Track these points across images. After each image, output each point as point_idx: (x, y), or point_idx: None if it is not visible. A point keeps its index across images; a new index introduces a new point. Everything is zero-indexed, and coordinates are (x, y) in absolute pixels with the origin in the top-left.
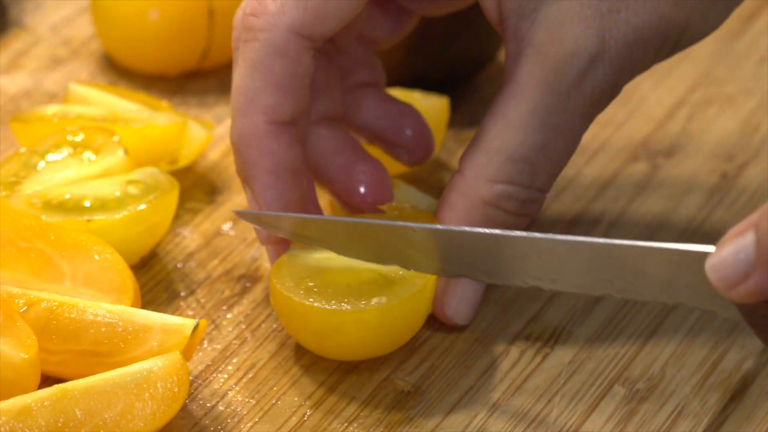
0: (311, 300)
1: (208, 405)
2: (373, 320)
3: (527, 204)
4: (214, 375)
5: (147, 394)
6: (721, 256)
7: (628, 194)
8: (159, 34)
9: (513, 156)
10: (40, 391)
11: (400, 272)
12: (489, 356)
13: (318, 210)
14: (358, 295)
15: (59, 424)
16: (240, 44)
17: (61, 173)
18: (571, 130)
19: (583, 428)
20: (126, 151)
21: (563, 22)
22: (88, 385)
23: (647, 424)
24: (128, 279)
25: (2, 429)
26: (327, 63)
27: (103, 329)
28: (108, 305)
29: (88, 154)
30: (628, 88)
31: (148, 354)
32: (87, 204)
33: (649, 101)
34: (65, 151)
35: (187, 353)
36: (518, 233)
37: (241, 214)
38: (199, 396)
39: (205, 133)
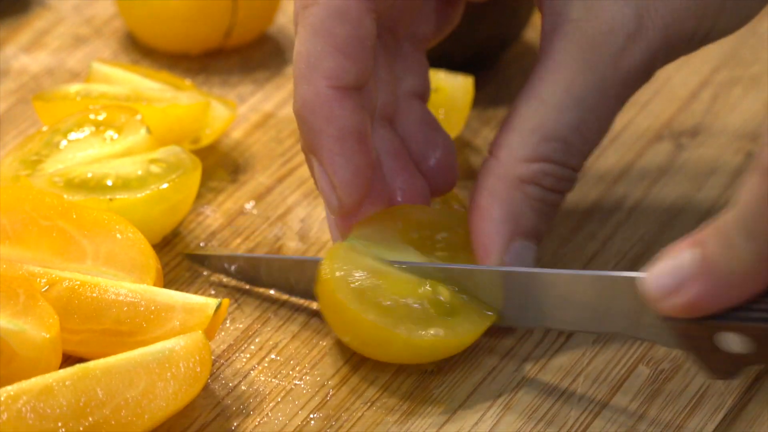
0: (366, 312)
1: (230, 385)
2: (425, 348)
3: (563, 181)
4: (237, 354)
5: (169, 374)
6: (658, 268)
7: (653, 174)
8: (182, 12)
9: (548, 135)
10: (61, 370)
11: (463, 297)
12: (512, 336)
13: (383, 184)
14: (416, 319)
15: (80, 404)
16: (300, 11)
17: (84, 152)
18: (605, 109)
19: (607, 408)
20: (149, 130)
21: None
22: (109, 365)
23: (671, 404)
24: (151, 258)
25: (23, 408)
26: (389, 59)
27: (125, 308)
28: (130, 284)
29: (110, 133)
30: None
31: (171, 333)
32: (109, 183)
33: (674, 82)
34: (87, 130)
35: (209, 333)
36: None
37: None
38: (221, 376)
39: (228, 113)
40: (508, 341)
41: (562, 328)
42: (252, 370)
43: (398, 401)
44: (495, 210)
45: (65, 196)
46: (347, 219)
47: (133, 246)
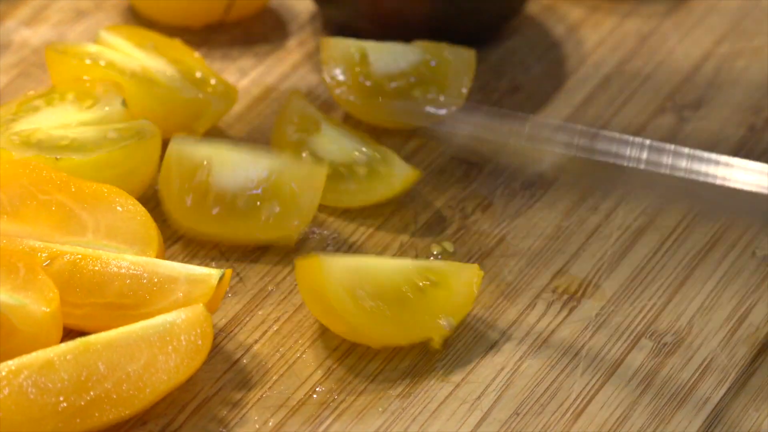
0: (355, 316)
1: (232, 358)
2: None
3: None
4: (239, 328)
5: (170, 347)
6: None
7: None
8: None
9: None
10: (62, 344)
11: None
12: (515, 309)
13: None
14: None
15: (82, 378)
16: None
17: (57, 116)
18: None
19: (610, 382)
20: (124, 103)
21: None
22: (110, 339)
23: (675, 378)
24: (152, 230)
25: (24, 383)
26: None
27: (127, 281)
28: (132, 257)
29: (88, 103)
30: (655, 41)
31: (174, 305)
32: (63, 144)
33: (677, 54)
34: (70, 97)
35: (212, 305)
36: None
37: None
38: (223, 349)
39: (224, 106)
40: (510, 314)
41: None
42: (254, 343)
43: (401, 374)
44: None
45: (14, 154)
46: None
47: (134, 218)
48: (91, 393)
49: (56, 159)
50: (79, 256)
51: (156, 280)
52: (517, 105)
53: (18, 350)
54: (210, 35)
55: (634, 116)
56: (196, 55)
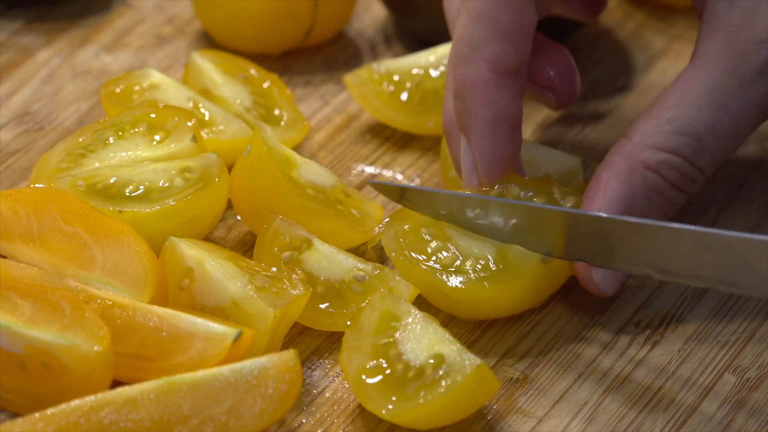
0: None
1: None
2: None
3: (687, 179)
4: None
5: (257, 393)
6: None
7: (740, 178)
8: (266, 12)
9: (682, 129)
10: (146, 383)
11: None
12: (598, 343)
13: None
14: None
15: (164, 418)
16: None
17: (127, 152)
18: (745, 118)
19: (692, 418)
20: (194, 138)
21: (760, 9)
22: (196, 380)
23: (757, 413)
24: (151, 275)
25: (105, 419)
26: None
27: (150, 333)
28: (157, 308)
29: (158, 137)
30: None
31: (189, 362)
32: (128, 192)
33: None
34: (141, 127)
35: (231, 359)
36: (635, 219)
37: (375, 185)
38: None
39: (289, 139)
40: (593, 348)
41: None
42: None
43: (484, 408)
44: (612, 186)
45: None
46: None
47: (138, 260)
48: None
49: (120, 212)
50: (110, 302)
51: (176, 334)
52: (600, 134)
53: (69, 390)
54: (291, 61)
55: None
56: (288, 91)
